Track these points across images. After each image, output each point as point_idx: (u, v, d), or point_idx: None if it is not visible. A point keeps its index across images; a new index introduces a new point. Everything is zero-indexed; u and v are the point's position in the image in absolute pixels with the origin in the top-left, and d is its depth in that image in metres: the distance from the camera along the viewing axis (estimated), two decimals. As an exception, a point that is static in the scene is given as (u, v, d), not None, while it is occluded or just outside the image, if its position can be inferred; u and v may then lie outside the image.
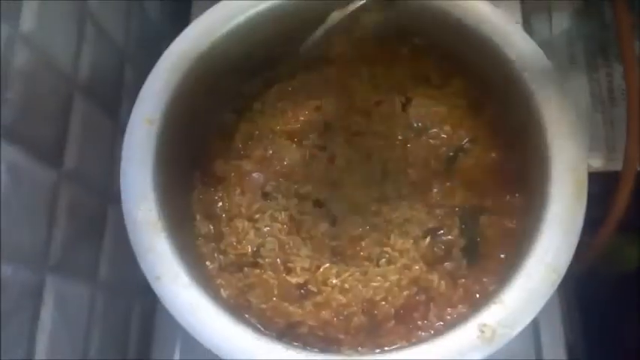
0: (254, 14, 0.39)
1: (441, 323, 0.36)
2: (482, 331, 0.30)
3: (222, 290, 0.39)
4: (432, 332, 0.35)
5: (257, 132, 0.43)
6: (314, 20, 0.40)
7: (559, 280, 0.31)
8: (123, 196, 0.36)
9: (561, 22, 0.61)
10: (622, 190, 0.52)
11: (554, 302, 0.46)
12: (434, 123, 0.43)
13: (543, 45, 0.60)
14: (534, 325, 0.45)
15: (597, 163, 0.57)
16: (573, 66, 0.60)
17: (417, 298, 0.37)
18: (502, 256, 0.37)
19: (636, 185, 0.53)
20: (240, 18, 0.39)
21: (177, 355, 0.46)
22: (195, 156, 0.42)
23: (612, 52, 0.59)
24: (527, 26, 0.61)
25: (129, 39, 0.51)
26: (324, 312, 0.38)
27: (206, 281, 0.35)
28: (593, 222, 0.56)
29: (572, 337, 0.48)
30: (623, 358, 0.57)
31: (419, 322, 0.36)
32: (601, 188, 0.57)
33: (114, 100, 0.48)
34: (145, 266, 0.34)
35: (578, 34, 0.61)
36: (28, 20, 0.37)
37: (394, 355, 0.31)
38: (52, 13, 0.39)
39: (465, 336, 0.30)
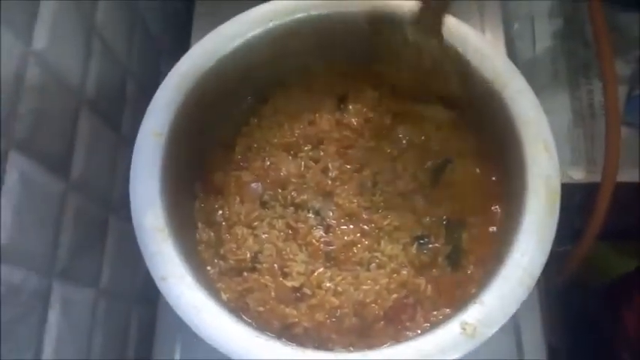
0: (251, 37, 0.42)
1: (427, 324, 0.38)
2: (464, 329, 0.32)
3: (222, 293, 0.40)
4: (419, 332, 0.37)
5: (255, 145, 0.45)
6: (306, 41, 0.43)
7: (534, 283, 0.33)
8: (132, 203, 0.37)
9: (544, 41, 0.64)
10: (601, 201, 0.55)
11: (536, 309, 0.48)
12: (420, 138, 0.45)
13: (527, 63, 0.64)
14: (516, 330, 0.47)
15: (578, 175, 0.60)
16: (556, 83, 0.63)
17: (405, 300, 0.39)
18: (483, 261, 0.39)
19: (617, 196, 0.55)
20: (239, 40, 0.41)
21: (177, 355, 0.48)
22: (198, 167, 0.43)
23: (593, 70, 0.62)
24: (512, 45, 0.64)
25: (131, 53, 0.53)
26: (317, 314, 0.39)
27: (207, 285, 0.37)
28: (575, 232, 0.59)
29: (554, 341, 0.50)
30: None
31: (407, 324, 0.38)
32: (582, 199, 0.59)
33: (117, 113, 0.50)
34: (151, 268, 0.35)
35: (561, 53, 0.63)
36: (40, 38, 0.38)
37: (383, 352, 0.32)
38: (62, 31, 0.40)
39: (449, 333, 0.32)
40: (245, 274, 0.41)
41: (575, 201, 0.60)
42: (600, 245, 0.60)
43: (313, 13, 0.42)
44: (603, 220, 0.55)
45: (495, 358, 0.44)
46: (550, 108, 0.61)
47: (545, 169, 0.36)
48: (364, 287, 0.40)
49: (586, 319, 0.61)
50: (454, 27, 0.40)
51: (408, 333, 0.37)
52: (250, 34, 0.42)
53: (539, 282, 0.49)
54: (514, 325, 0.47)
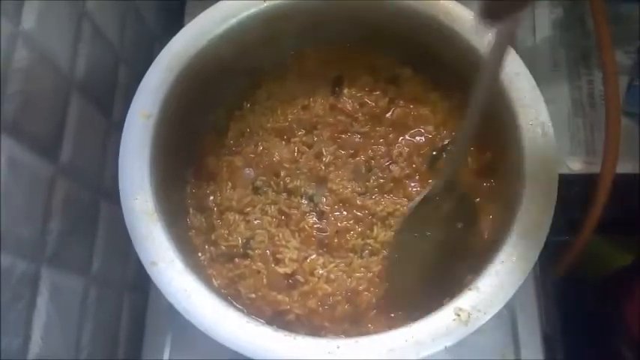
0: (245, 17, 0.41)
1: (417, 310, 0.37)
2: (458, 315, 0.32)
3: (213, 280, 0.40)
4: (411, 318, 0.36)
5: (248, 129, 0.45)
6: (301, 24, 0.42)
7: (529, 269, 0.33)
8: (120, 186, 0.37)
9: (544, 30, 0.63)
10: (600, 192, 0.54)
11: (532, 300, 0.48)
12: (417, 123, 0.44)
13: (527, 52, 0.63)
14: (512, 321, 0.46)
15: (577, 166, 0.59)
16: (556, 73, 0.62)
17: (397, 287, 0.39)
18: (478, 249, 0.38)
19: (616, 188, 0.55)
20: (233, 20, 0.41)
21: (167, 351, 0.47)
22: (189, 152, 0.43)
23: (593, 60, 0.61)
24: (512, 34, 0.63)
25: (124, 40, 0.52)
26: (310, 301, 0.39)
27: (198, 271, 0.37)
28: (573, 223, 0.58)
29: (550, 332, 0.49)
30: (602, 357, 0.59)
31: (399, 312, 0.38)
32: (581, 190, 0.59)
33: (108, 98, 0.49)
34: (141, 252, 0.35)
35: (561, 43, 0.62)
36: (29, 19, 0.37)
37: (375, 339, 0.32)
38: (51, 13, 0.40)
39: (442, 320, 0.32)
40: (236, 260, 0.41)
41: (573, 192, 0.59)
42: (599, 238, 0.59)
43: (308, -7, 0.41)
44: (602, 212, 0.55)
45: (492, 347, 0.44)
46: (550, 97, 0.61)
47: (542, 152, 0.35)
48: (357, 275, 0.39)
49: (583, 311, 0.61)
50: (451, 9, 0.40)
51: (400, 321, 0.37)
52: (244, 14, 0.41)
53: (535, 272, 0.49)
54: (511, 316, 0.46)
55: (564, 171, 0.58)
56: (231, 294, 0.39)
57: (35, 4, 0.38)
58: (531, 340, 0.46)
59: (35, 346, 0.38)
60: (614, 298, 0.61)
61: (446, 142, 0.44)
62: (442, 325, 0.32)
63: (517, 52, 0.52)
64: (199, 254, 0.41)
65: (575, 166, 0.59)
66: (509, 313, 0.46)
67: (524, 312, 0.46)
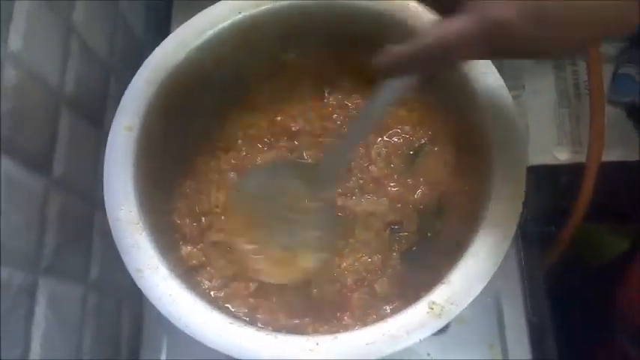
0: (221, 29, 0.42)
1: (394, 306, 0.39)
2: (432, 308, 0.33)
3: (201, 284, 0.41)
4: (387, 314, 0.38)
5: (231, 136, 0.46)
6: (278, 33, 0.43)
7: (500, 260, 0.34)
8: (106, 198, 0.38)
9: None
10: (587, 181, 0.55)
11: (517, 291, 0.49)
12: (394, 123, 0.45)
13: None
14: (498, 312, 0.48)
15: (564, 156, 0.60)
16: (541, 64, 0.63)
17: (376, 285, 0.40)
18: (453, 243, 0.39)
19: (603, 176, 0.55)
20: (210, 32, 0.42)
21: (164, 353, 0.49)
22: (174, 159, 0.44)
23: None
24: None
25: (113, 52, 0.53)
26: (293, 299, 0.40)
27: (185, 275, 0.38)
28: (561, 213, 0.59)
29: (537, 322, 0.50)
30: (592, 344, 0.60)
31: (376, 309, 0.39)
32: (568, 180, 0.59)
33: (99, 110, 0.51)
34: (127, 261, 0.36)
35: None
36: (15, 40, 0.38)
37: (353, 334, 0.33)
38: (38, 32, 0.41)
39: (416, 313, 0.33)
40: (223, 262, 0.42)
41: (561, 182, 0.60)
42: (590, 227, 0.60)
43: (281, 3, 0.42)
44: (589, 201, 0.55)
45: (478, 337, 0.45)
46: (535, 88, 0.62)
47: (511, 150, 0.36)
48: (336, 272, 0.41)
49: (575, 301, 0.61)
50: (420, 13, 0.40)
51: (375, 316, 0.38)
52: (220, 26, 0.42)
53: (520, 263, 0.50)
54: (496, 308, 0.47)
55: (551, 161, 0.59)
56: (219, 297, 0.41)
57: (21, 24, 0.39)
58: (517, 328, 0.47)
59: (35, 355, 0.39)
60: (608, 285, 0.61)
61: (422, 141, 0.45)
62: (416, 318, 0.33)
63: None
64: (185, 258, 0.42)
65: (562, 156, 0.60)
66: (494, 304, 0.47)
67: (510, 301, 0.47)
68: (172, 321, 0.34)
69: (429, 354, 0.46)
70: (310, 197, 0.38)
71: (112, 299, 0.51)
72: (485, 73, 0.38)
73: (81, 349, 0.45)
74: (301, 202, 0.39)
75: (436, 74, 0.38)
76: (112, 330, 0.51)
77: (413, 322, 0.32)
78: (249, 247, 0.39)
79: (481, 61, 0.39)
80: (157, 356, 0.48)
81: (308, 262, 0.38)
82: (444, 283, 0.33)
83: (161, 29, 0.59)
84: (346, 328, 0.35)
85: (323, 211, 0.38)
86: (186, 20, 0.43)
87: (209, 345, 0.33)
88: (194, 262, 0.42)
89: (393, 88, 0.31)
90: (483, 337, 0.46)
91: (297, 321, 0.40)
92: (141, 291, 0.51)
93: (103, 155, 0.49)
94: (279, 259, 0.39)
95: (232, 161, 0.45)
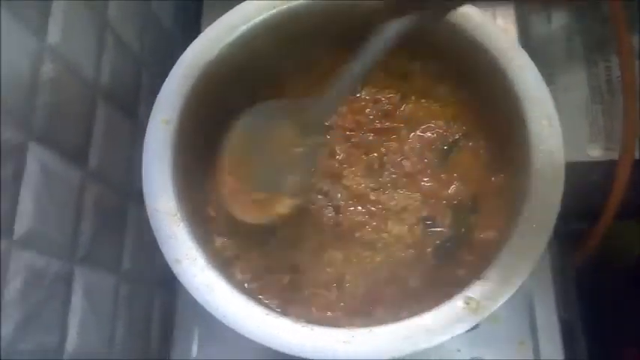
0: (255, 24, 0.42)
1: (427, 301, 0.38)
2: (468, 303, 0.33)
3: (235, 275, 0.41)
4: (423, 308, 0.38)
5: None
6: (311, 27, 0.44)
7: (538, 257, 0.33)
8: (144, 189, 0.39)
9: (560, 18, 0.63)
10: (619, 178, 0.54)
11: (549, 288, 0.48)
12: (427, 118, 0.45)
13: (543, 39, 0.63)
14: (530, 310, 0.47)
15: (596, 153, 0.59)
16: (572, 59, 0.62)
17: (410, 280, 0.40)
18: (488, 239, 0.39)
19: (636, 173, 0.55)
20: (243, 28, 0.42)
21: (195, 345, 0.50)
22: (208, 151, 0.44)
23: (610, 46, 0.61)
24: (527, 22, 0.63)
25: (144, 46, 0.54)
26: (327, 293, 0.40)
27: (220, 266, 0.38)
28: (592, 210, 0.58)
29: (568, 320, 0.49)
30: (622, 344, 0.59)
31: (411, 303, 0.39)
32: (600, 177, 0.59)
33: (132, 103, 0.51)
34: (165, 251, 0.37)
35: (577, 29, 0.62)
36: (54, 33, 0.39)
37: (388, 328, 0.33)
38: (75, 26, 0.42)
39: (452, 308, 0.33)
40: (257, 255, 0.42)
41: (593, 179, 0.59)
42: (622, 224, 0.59)
43: (313, -3, 0.42)
44: (622, 198, 0.55)
45: (509, 335, 0.45)
46: (567, 85, 0.61)
47: (549, 145, 0.36)
48: (370, 266, 0.40)
49: (605, 298, 0.60)
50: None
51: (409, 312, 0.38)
52: (253, 22, 0.42)
53: (553, 261, 0.50)
54: (528, 305, 0.47)
55: (584, 158, 0.58)
56: (254, 288, 0.41)
57: (59, 18, 0.40)
58: (549, 327, 0.46)
59: (72, 343, 0.40)
60: (637, 283, 0.61)
61: (457, 136, 0.45)
62: (452, 313, 0.33)
63: (532, 40, 0.52)
64: (220, 249, 0.42)
65: (595, 153, 0.59)
66: (526, 301, 0.47)
67: (542, 299, 0.47)
68: (210, 311, 0.35)
69: (459, 350, 0.46)
70: (298, 141, 0.39)
71: (143, 291, 0.52)
72: (521, 67, 0.38)
73: (114, 340, 0.45)
74: (290, 145, 0.39)
75: (432, 21, 0.37)
76: (143, 322, 0.52)
77: (449, 317, 0.32)
78: (233, 183, 0.39)
79: (517, 54, 0.38)
80: (188, 349, 0.49)
81: (284, 207, 0.39)
82: (480, 278, 0.33)
83: (190, 24, 0.60)
84: (379, 322, 0.35)
85: (305, 156, 0.39)
86: (215, 15, 0.43)
87: (247, 335, 0.34)
88: (228, 253, 0.42)
89: (388, 34, 0.31)
90: (514, 334, 0.46)
91: (329, 314, 0.40)
92: (171, 284, 0.53)
93: (136, 147, 0.50)
94: (259, 199, 0.39)
95: (265, 155, 0.45)
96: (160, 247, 0.37)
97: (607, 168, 0.56)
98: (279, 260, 0.42)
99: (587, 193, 0.60)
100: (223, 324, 0.35)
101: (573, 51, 0.62)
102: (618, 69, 0.59)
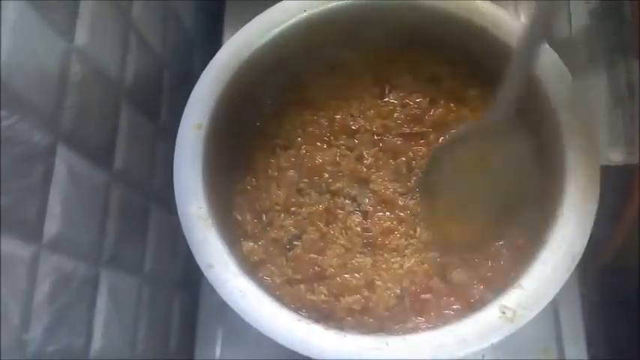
0: (286, 27, 0.43)
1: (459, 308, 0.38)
2: (504, 312, 0.32)
3: (264, 280, 0.41)
4: (456, 316, 0.38)
5: (291, 133, 0.46)
6: (341, 30, 0.43)
7: (573, 266, 0.33)
8: (177, 195, 0.39)
9: (581, 20, 0.63)
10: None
11: (575, 293, 0.48)
12: (457, 123, 0.45)
13: (563, 42, 0.62)
14: (555, 315, 0.47)
15: (617, 157, 0.58)
16: (593, 63, 0.61)
17: (442, 285, 0.40)
18: (521, 246, 0.39)
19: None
20: (275, 31, 0.42)
21: (218, 347, 0.50)
22: (238, 155, 0.45)
23: (631, 50, 0.61)
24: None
25: (166, 46, 0.54)
26: (356, 299, 0.40)
27: (250, 271, 0.38)
28: (614, 214, 0.58)
29: (592, 326, 0.49)
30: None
31: (444, 310, 0.39)
32: (622, 181, 0.58)
33: (155, 105, 0.51)
34: (198, 256, 0.37)
35: (598, 32, 0.62)
36: (81, 35, 0.39)
37: (423, 336, 0.33)
38: (101, 26, 0.41)
39: (488, 317, 0.33)
40: (284, 260, 0.42)
41: (613, 184, 0.59)
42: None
43: (345, 2, 0.42)
44: (642, 203, 0.54)
45: (534, 340, 0.44)
46: (587, 88, 0.61)
47: (583, 150, 0.36)
48: (400, 272, 0.40)
49: (627, 304, 0.60)
50: (486, 8, 0.40)
51: (444, 318, 0.38)
52: (285, 25, 0.42)
53: (578, 266, 0.50)
54: (553, 310, 0.47)
55: (604, 162, 0.58)
56: (282, 295, 0.41)
57: (87, 20, 0.40)
58: (574, 332, 0.46)
59: (97, 344, 0.40)
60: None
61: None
62: (488, 322, 0.33)
63: (553, 43, 0.51)
64: (248, 254, 0.42)
65: (615, 157, 0.58)
66: (551, 306, 0.47)
67: (566, 304, 0.47)
68: (242, 316, 0.35)
69: (483, 355, 0.46)
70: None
71: (164, 292, 0.52)
72: (556, 75, 0.37)
73: (136, 340, 0.46)
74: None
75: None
76: (164, 322, 0.52)
77: (484, 326, 0.32)
78: None
79: (548, 58, 0.38)
80: (212, 350, 0.49)
81: None
82: (515, 287, 0.33)
83: (212, 26, 0.59)
84: (412, 330, 0.35)
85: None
86: (237, 16, 0.43)
87: (279, 341, 0.33)
88: (255, 258, 0.42)
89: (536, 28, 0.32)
90: (539, 339, 0.46)
91: (360, 320, 0.40)
92: (192, 285, 0.53)
93: (159, 149, 0.50)
94: None
95: (292, 159, 0.45)
96: (193, 252, 0.37)
97: (628, 172, 0.56)
98: (305, 265, 0.42)
99: (607, 198, 0.60)
100: (247, 325, 0.35)
101: (594, 53, 0.62)
102: (639, 72, 0.59)
